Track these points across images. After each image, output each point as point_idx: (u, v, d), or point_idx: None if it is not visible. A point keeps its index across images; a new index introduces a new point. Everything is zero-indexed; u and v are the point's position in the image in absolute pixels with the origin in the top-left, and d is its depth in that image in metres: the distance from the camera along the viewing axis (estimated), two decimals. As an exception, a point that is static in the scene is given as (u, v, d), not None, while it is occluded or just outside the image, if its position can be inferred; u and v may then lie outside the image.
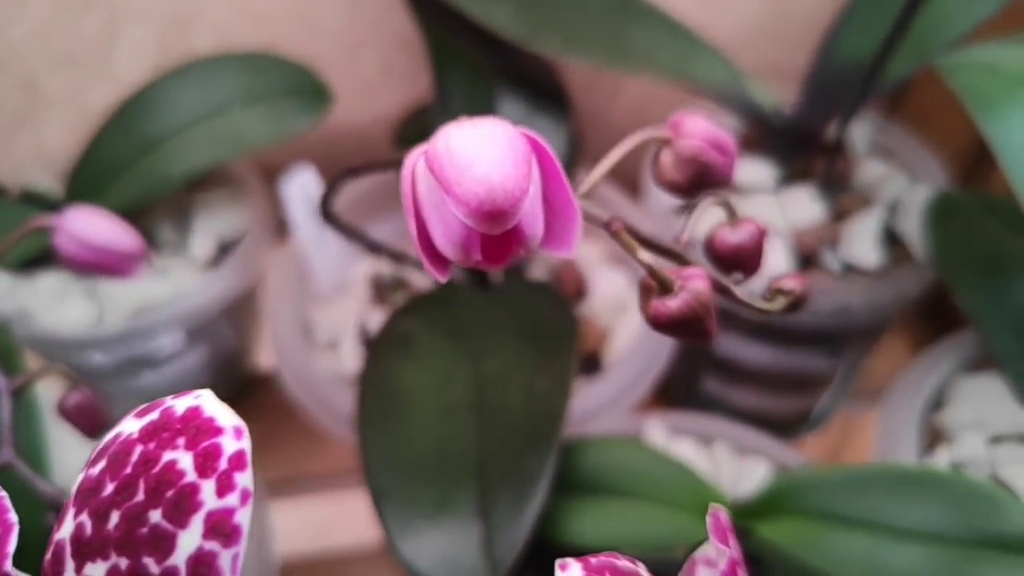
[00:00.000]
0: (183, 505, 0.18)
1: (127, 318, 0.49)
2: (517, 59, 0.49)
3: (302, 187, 0.49)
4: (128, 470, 0.19)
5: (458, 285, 0.44)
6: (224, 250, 0.54)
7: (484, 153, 0.22)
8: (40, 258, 0.50)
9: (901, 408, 0.44)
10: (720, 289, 0.27)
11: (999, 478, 0.41)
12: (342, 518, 0.56)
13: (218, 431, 0.19)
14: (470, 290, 0.44)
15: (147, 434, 0.19)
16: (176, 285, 0.50)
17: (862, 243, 0.48)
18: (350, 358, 0.49)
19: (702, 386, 0.58)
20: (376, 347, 0.40)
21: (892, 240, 0.50)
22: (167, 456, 0.19)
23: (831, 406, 0.60)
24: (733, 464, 0.44)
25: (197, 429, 0.19)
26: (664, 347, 0.47)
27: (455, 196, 0.22)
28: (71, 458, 0.41)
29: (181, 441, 0.19)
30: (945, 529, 0.34)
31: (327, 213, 0.39)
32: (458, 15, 0.46)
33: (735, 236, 0.28)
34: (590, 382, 0.47)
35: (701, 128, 0.29)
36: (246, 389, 0.63)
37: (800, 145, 0.52)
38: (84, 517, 0.19)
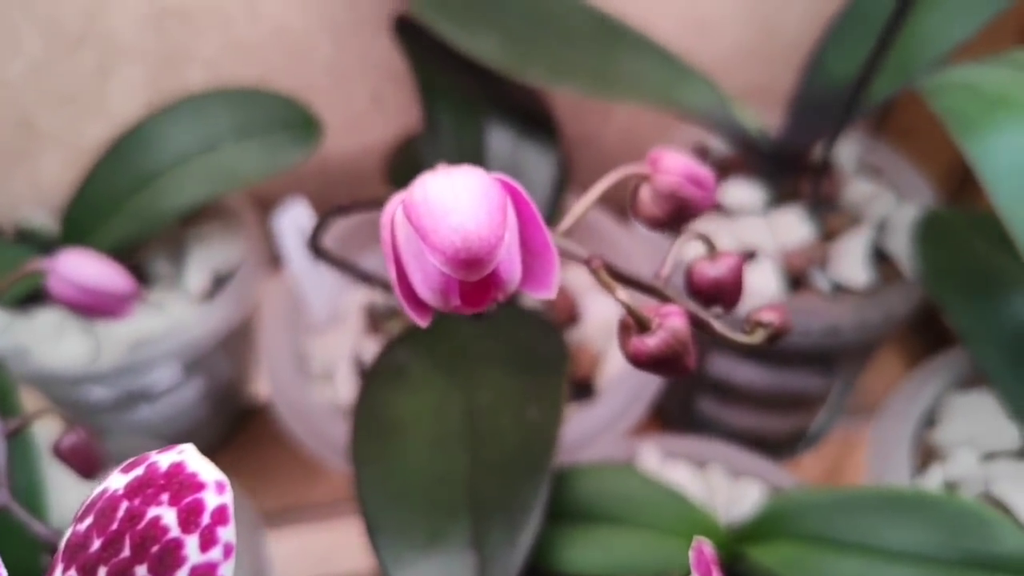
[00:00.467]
0: (168, 560, 0.19)
1: (123, 353, 0.49)
2: (505, 88, 0.50)
3: (294, 220, 0.49)
4: (114, 526, 0.19)
5: (452, 315, 0.44)
6: (219, 282, 0.54)
7: (460, 203, 0.22)
8: (36, 295, 0.50)
9: (893, 427, 0.44)
10: (699, 324, 0.27)
11: (993, 495, 0.41)
12: (339, 548, 0.57)
13: (200, 486, 0.19)
14: (463, 320, 0.44)
15: (132, 490, 0.19)
16: (172, 318, 0.51)
17: (851, 262, 0.49)
18: (345, 388, 0.49)
19: (697, 407, 0.58)
20: (370, 378, 0.40)
21: (881, 259, 0.51)
22: (152, 512, 0.19)
23: (827, 424, 0.60)
24: (727, 487, 0.44)
25: (180, 485, 0.19)
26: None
27: (432, 245, 0.22)
28: (68, 498, 0.41)
29: (165, 497, 0.19)
30: (937, 551, 0.34)
31: (317, 249, 0.39)
32: (445, 46, 0.47)
33: (714, 270, 0.29)
34: (584, 407, 0.47)
35: (679, 164, 0.29)
36: (243, 420, 0.63)
37: (787, 166, 0.52)
38: (72, 573, 0.19)
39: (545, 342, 0.42)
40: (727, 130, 0.50)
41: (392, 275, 0.24)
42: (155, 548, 0.19)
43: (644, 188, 0.30)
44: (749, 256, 0.51)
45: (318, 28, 0.58)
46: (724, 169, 0.55)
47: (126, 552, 0.19)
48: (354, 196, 0.38)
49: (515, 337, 0.43)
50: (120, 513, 0.19)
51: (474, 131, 0.50)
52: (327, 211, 0.36)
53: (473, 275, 0.22)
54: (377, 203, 0.32)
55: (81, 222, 0.51)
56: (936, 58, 0.45)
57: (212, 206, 0.57)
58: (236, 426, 0.63)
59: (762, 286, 0.48)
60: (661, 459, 0.46)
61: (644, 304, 0.26)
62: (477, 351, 0.41)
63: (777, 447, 0.59)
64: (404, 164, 0.56)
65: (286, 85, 0.53)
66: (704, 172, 0.29)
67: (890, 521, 0.35)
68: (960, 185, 0.62)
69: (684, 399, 0.59)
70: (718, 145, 0.58)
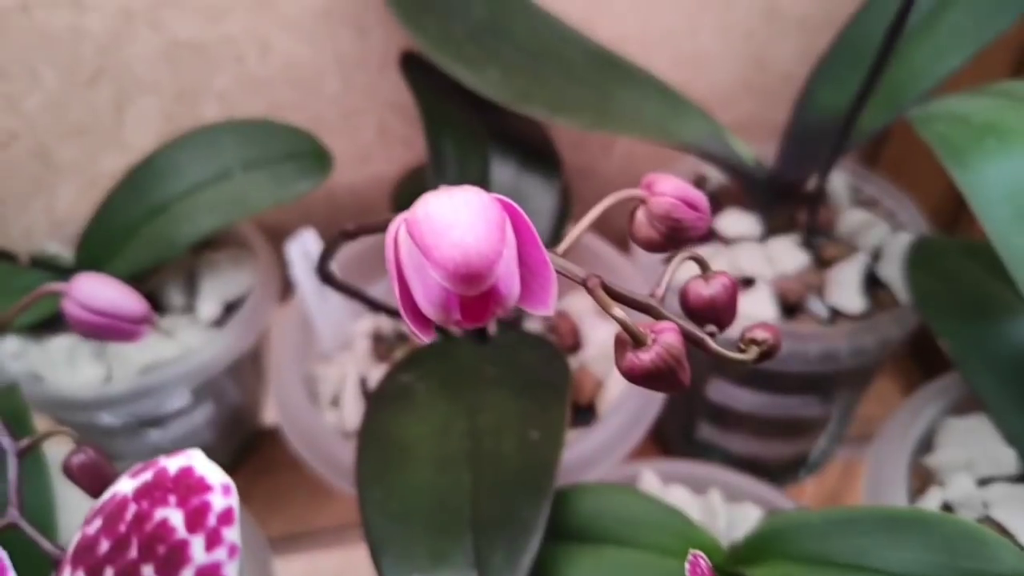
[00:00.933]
0: (174, 560, 0.19)
1: (134, 378, 0.50)
2: (508, 120, 0.51)
3: (304, 248, 0.51)
4: (123, 528, 0.20)
5: (456, 338, 0.45)
6: (230, 309, 0.55)
7: (460, 219, 0.23)
8: (50, 321, 0.52)
9: (890, 451, 0.45)
10: (694, 341, 0.28)
11: (992, 519, 0.41)
12: (347, 572, 0.57)
13: (207, 488, 0.20)
14: (467, 343, 0.45)
15: (141, 493, 0.20)
16: (182, 344, 0.52)
17: (847, 289, 0.50)
18: (352, 413, 0.50)
19: (697, 433, 0.58)
20: (375, 401, 0.41)
21: (876, 286, 0.51)
22: (159, 514, 0.20)
23: (827, 450, 0.60)
24: (726, 511, 0.44)
25: (188, 487, 0.20)
26: (656, 396, 0.48)
27: (434, 260, 0.23)
28: (78, 517, 0.42)
29: (173, 499, 0.20)
30: (935, 571, 0.34)
31: (324, 274, 0.40)
32: (449, 80, 0.48)
33: (708, 289, 0.29)
34: (585, 432, 0.48)
35: (672, 186, 0.30)
36: (252, 445, 0.64)
37: (783, 196, 0.53)
38: (80, 574, 0.20)
39: (548, 366, 0.43)
40: (724, 161, 0.52)
41: (395, 291, 0.25)
42: (162, 548, 0.20)
43: (640, 211, 0.31)
44: (746, 283, 0.51)
45: (327, 63, 0.60)
46: (721, 199, 0.56)
47: (133, 553, 0.20)
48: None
49: (518, 361, 0.43)
50: (129, 515, 0.20)
51: (478, 162, 0.51)
52: (334, 236, 0.37)
53: (473, 289, 0.23)
54: (381, 226, 0.33)
55: (96, 249, 0.52)
56: (926, 90, 0.47)
57: (223, 235, 0.59)
58: (245, 451, 0.64)
59: (759, 313, 0.49)
60: (661, 483, 0.46)
61: (640, 322, 0.27)
62: (481, 374, 0.42)
63: (777, 473, 0.60)
64: (410, 194, 0.57)
65: (296, 118, 0.54)
66: (697, 194, 0.30)
67: (888, 541, 0.36)
68: (953, 215, 0.63)
69: (684, 425, 0.59)
70: (716, 176, 0.59)
